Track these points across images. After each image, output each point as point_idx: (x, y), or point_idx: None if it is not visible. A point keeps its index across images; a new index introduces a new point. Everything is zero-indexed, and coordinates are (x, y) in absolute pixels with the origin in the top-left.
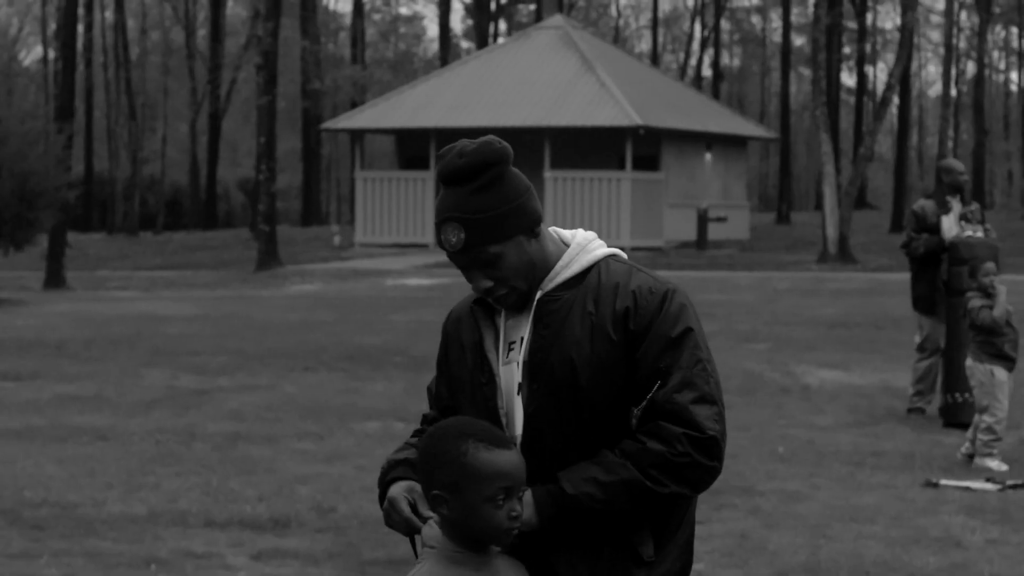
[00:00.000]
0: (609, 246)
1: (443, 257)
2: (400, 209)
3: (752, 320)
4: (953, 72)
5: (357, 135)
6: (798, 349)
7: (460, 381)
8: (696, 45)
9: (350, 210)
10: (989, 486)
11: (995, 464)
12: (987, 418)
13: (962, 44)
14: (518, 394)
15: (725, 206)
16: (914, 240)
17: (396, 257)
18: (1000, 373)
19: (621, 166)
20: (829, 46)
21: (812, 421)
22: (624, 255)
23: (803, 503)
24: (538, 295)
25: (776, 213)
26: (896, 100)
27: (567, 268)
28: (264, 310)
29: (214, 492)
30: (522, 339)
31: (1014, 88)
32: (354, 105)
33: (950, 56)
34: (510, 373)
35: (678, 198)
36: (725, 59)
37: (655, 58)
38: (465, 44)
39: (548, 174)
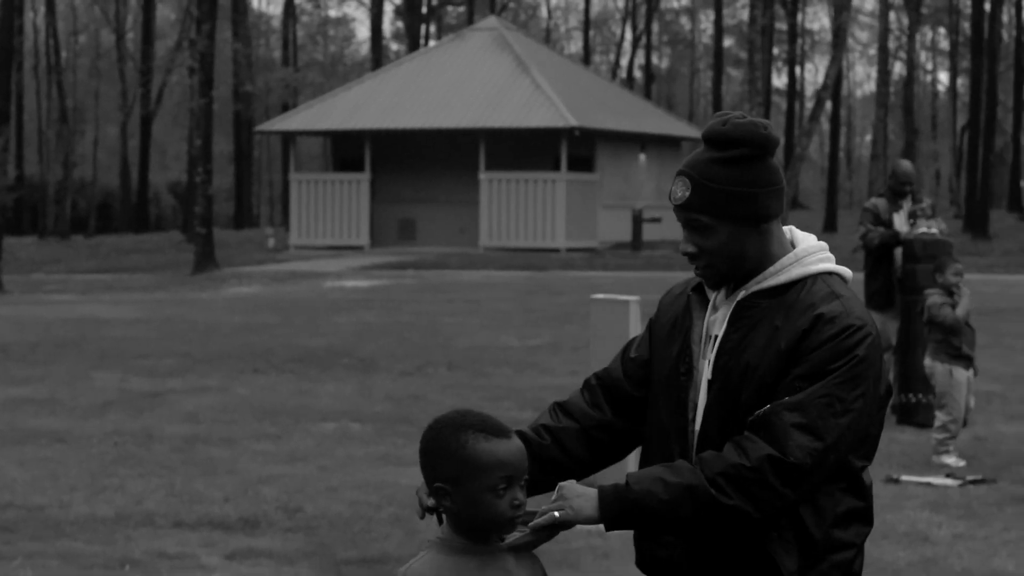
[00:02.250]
0: (544, 247)
1: (379, 259)
2: (335, 211)
3: None
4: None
5: (290, 137)
6: None
7: (664, 362)
8: (627, 46)
9: (283, 212)
10: (950, 482)
11: (952, 460)
12: (943, 416)
13: (891, 45)
14: (704, 389)
15: (660, 207)
16: (870, 232)
17: (331, 259)
18: (959, 373)
19: (556, 167)
20: (761, 47)
21: None
22: (844, 274)
23: None
24: (740, 296)
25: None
26: (828, 101)
27: (775, 276)
28: (205, 313)
29: (179, 493)
30: (717, 337)
31: (942, 88)
32: (285, 107)
33: (884, 57)
34: (704, 368)
35: (613, 199)
36: (655, 60)
37: (586, 59)
38: (395, 46)
39: (483, 175)
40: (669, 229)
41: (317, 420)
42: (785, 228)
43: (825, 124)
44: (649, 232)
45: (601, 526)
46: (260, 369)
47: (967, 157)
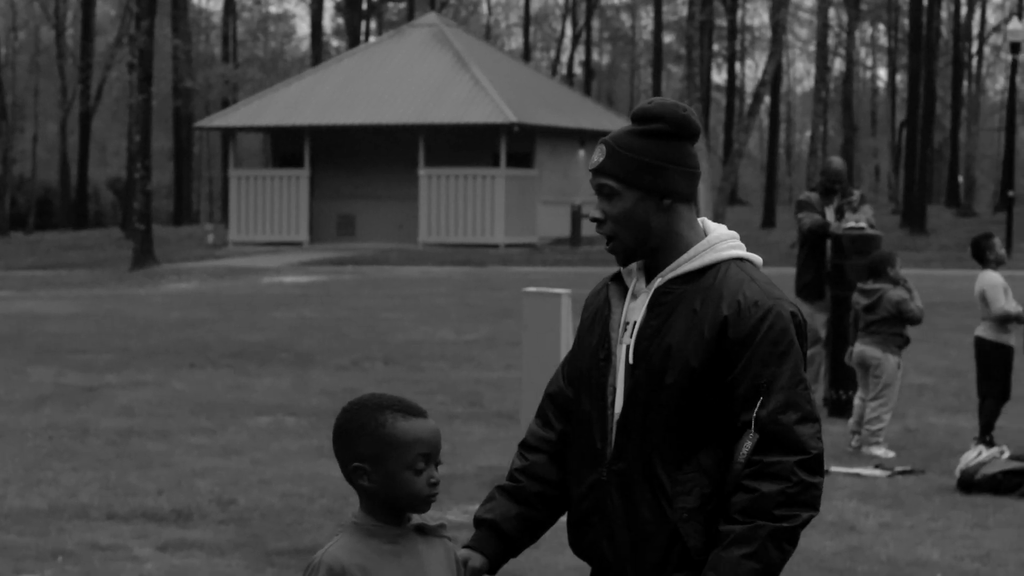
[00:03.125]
0: (483, 243)
1: (319, 255)
2: (274, 207)
3: None
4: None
5: (230, 133)
6: None
7: (584, 352)
8: (567, 42)
9: (222, 209)
10: (879, 472)
11: (882, 452)
12: (880, 408)
13: (831, 41)
14: (624, 374)
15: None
16: (803, 217)
17: (271, 255)
18: (900, 365)
19: (495, 163)
20: (700, 43)
21: None
22: (755, 260)
23: None
24: (657, 283)
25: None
26: (767, 97)
27: (690, 261)
28: (144, 308)
29: (113, 486)
30: (636, 323)
31: (881, 85)
32: (225, 104)
33: (824, 53)
34: (623, 353)
35: (552, 195)
36: (595, 56)
37: (526, 56)
38: (336, 43)
39: (422, 171)
40: None
41: (252, 414)
42: (698, 219)
43: (765, 120)
44: (588, 228)
45: None
46: (197, 364)
47: (905, 153)
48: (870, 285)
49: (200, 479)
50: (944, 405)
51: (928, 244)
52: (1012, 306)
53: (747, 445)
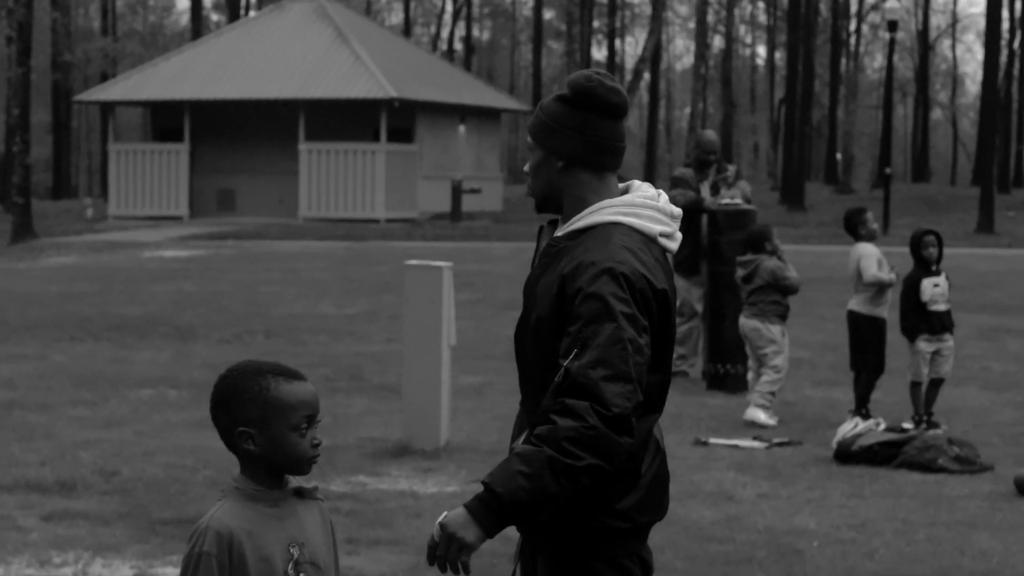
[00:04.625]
0: (363, 218)
1: (199, 229)
2: (154, 181)
3: (513, 290)
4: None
5: (109, 107)
6: None
7: None
8: (448, 18)
9: (101, 183)
10: (757, 444)
11: (764, 417)
12: (774, 374)
13: (710, 18)
14: None
15: (479, 178)
16: (678, 194)
17: (151, 229)
18: (784, 333)
19: (376, 138)
20: (580, 19)
21: None
22: (638, 227)
23: None
24: (548, 237)
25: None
26: (647, 74)
27: (577, 221)
28: (23, 282)
29: None
30: None
31: (760, 62)
32: (105, 77)
33: (703, 30)
34: None
35: (432, 170)
36: (475, 32)
37: (407, 31)
38: (215, 17)
39: (303, 146)
40: (488, 200)
41: (134, 387)
42: (639, 183)
43: (644, 97)
44: (468, 203)
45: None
46: (77, 337)
47: (784, 130)
48: (747, 257)
49: (83, 451)
50: (820, 378)
51: (806, 220)
52: (885, 274)
53: (553, 387)
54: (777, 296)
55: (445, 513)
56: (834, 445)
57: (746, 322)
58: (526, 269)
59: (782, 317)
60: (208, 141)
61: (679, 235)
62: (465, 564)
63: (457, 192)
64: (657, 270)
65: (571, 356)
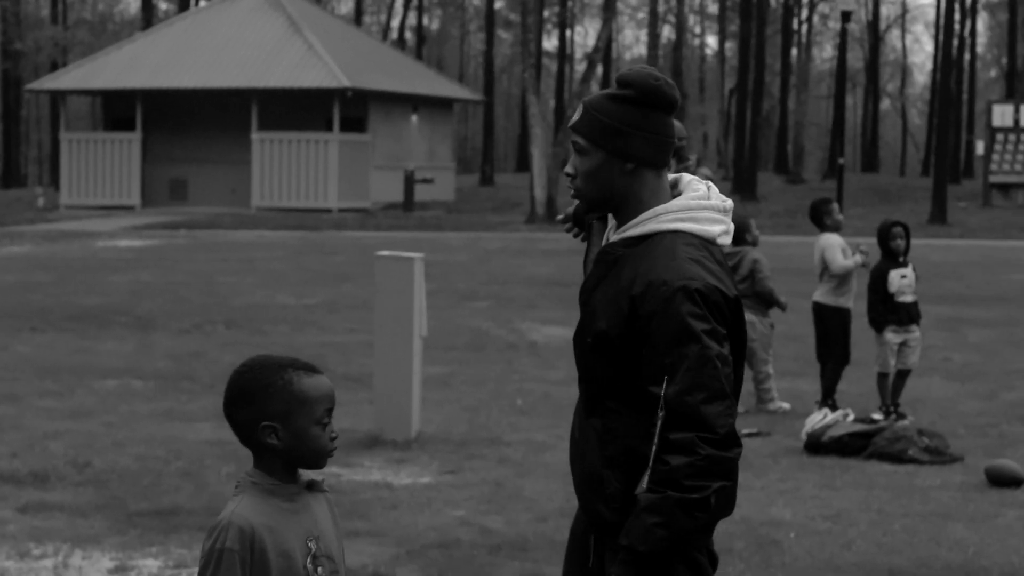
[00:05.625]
0: (316, 207)
1: (151, 219)
2: (106, 171)
3: (469, 280)
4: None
5: (60, 96)
6: (520, 307)
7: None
8: (398, 7)
9: (52, 172)
10: None
11: (775, 406)
12: (769, 369)
13: (660, 8)
14: None
15: (431, 168)
16: None
17: (103, 219)
18: (772, 325)
19: (328, 128)
20: (533, 9)
21: (545, 375)
22: (700, 232)
23: (550, 452)
24: (605, 242)
25: (480, 175)
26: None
27: (635, 227)
28: None
29: None
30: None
31: (710, 52)
32: (55, 66)
33: (654, 20)
34: None
35: (385, 160)
36: (425, 22)
37: (358, 20)
38: (164, 5)
39: (255, 136)
40: (440, 190)
41: (99, 377)
42: (689, 178)
43: (595, 87)
44: (421, 193)
45: None
46: (38, 327)
47: (735, 120)
48: (732, 249)
49: (53, 441)
50: (784, 369)
51: (759, 211)
52: (851, 261)
53: (658, 423)
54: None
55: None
56: (803, 436)
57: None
58: (482, 259)
59: (768, 308)
60: (160, 130)
61: (731, 226)
62: None
63: (410, 182)
64: (724, 277)
65: (664, 384)
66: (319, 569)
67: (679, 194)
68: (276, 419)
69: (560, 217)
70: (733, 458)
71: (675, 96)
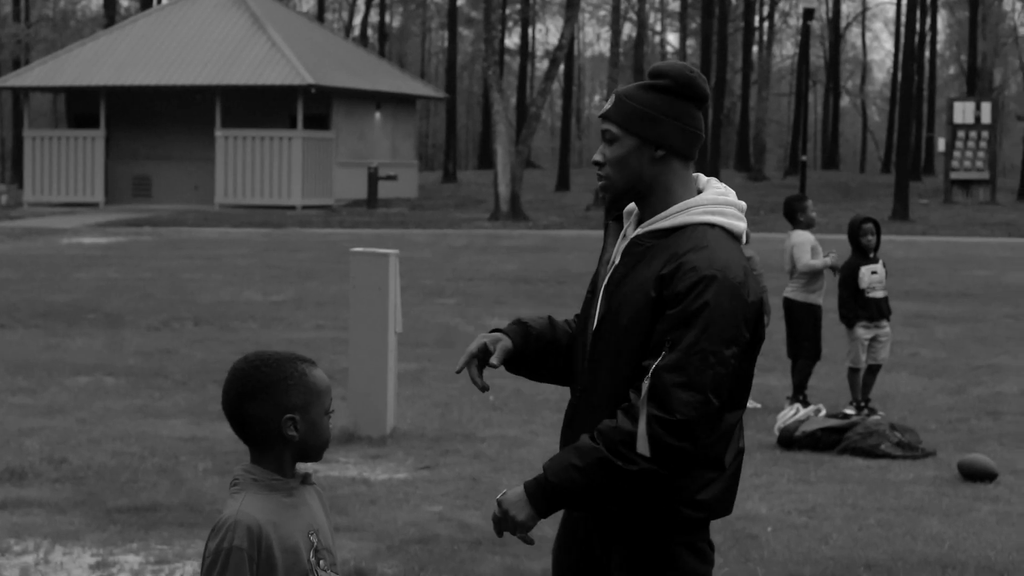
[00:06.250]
0: (280, 204)
1: (115, 216)
2: (69, 168)
3: (436, 276)
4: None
5: (22, 93)
6: (487, 303)
7: (594, 277)
8: (360, 4)
9: (14, 169)
10: None
11: (753, 404)
12: None
13: (621, 5)
14: (600, 308)
15: (394, 165)
16: None
17: (67, 216)
18: None
19: (292, 125)
20: (497, 6)
21: None
22: (731, 227)
23: (524, 448)
24: (632, 235)
25: (443, 172)
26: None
27: (665, 219)
28: None
29: None
30: (613, 264)
31: (671, 50)
32: (17, 63)
33: (617, 17)
34: (603, 289)
35: (348, 157)
36: (387, 19)
37: (320, 17)
38: (126, 2)
39: (219, 133)
40: (404, 187)
41: (70, 374)
42: (705, 178)
43: (555, 84)
44: (384, 190)
45: None
46: (6, 324)
47: None
48: None
49: (28, 438)
50: (755, 365)
51: None
52: (818, 260)
53: (642, 387)
54: None
55: (504, 491)
56: (776, 431)
57: None
58: (447, 255)
59: None
60: (124, 127)
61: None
62: (525, 538)
63: (373, 179)
64: (751, 279)
65: (654, 355)
66: (321, 562)
67: (700, 191)
68: (296, 411)
69: (459, 367)
70: (677, 448)
71: (708, 91)
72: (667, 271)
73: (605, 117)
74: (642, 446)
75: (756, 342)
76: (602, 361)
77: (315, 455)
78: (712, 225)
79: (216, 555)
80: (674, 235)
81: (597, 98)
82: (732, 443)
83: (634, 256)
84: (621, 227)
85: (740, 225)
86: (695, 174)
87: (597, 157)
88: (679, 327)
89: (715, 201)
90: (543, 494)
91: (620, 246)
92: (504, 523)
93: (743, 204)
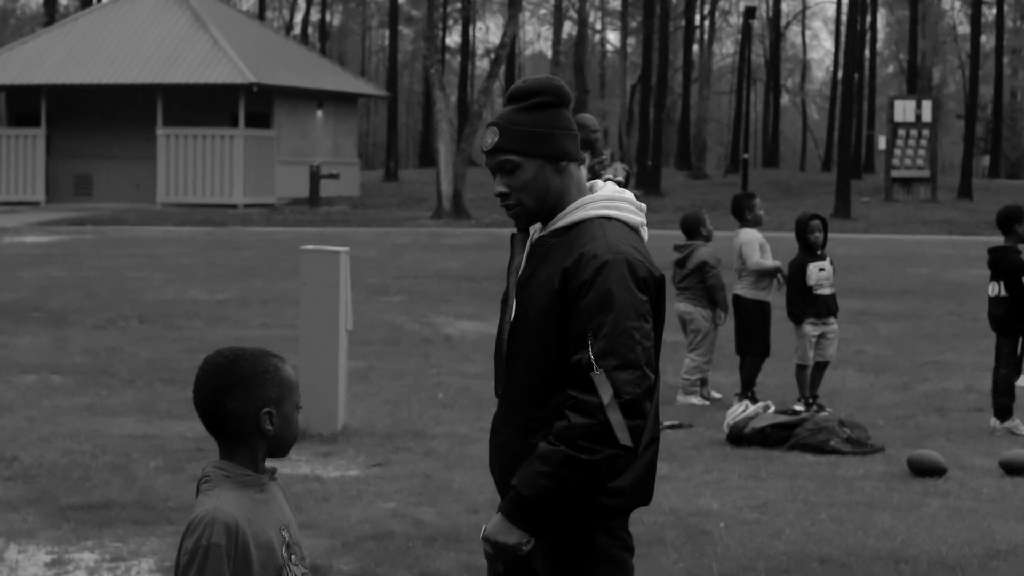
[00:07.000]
0: (221, 203)
1: (56, 214)
2: (10, 166)
3: (380, 274)
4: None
5: None
6: (432, 301)
7: (506, 290)
8: (301, 2)
9: None
10: None
11: (696, 400)
12: (698, 358)
13: (563, 4)
14: (513, 315)
15: (336, 163)
16: None
17: (8, 215)
18: (715, 319)
19: (234, 123)
20: (438, 4)
21: (462, 369)
22: (625, 219)
23: (475, 445)
24: (534, 237)
25: (384, 170)
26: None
27: (563, 218)
28: None
29: None
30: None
31: (610, 48)
32: None
33: (558, 16)
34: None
35: (290, 155)
36: (327, 17)
37: (261, 15)
38: (65, 1)
39: (160, 131)
40: (346, 185)
41: (17, 372)
42: (602, 183)
43: (497, 82)
44: (326, 188)
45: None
46: None
47: (638, 116)
48: (684, 242)
49: None
50: None
51: (664, 206)
52: (768, 261)
53: (584, 381)
54: (704, 282)
55: (484, 527)
56: (726, 428)
57: (678, 306)
58: (391, 254)
59: (712, 302)
60: (65, 126)
61: (645, 223)
62: (523, 554)
63: (315, 177)
64: (650, 258)
65: (580, 349)
66: (292, 556)
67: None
68: (273, 405)
69: None
70: (631, 426)
71: (564, 87)
72: (570, 263)
73: (497, 150)
74: (623, 437)
75: (657, 319)
76: (518, 360)
77: (284, 450)
78: (609, 218)
79: (194, 552)
80: (574, 230)
81: None
82: (645, 431)
83: (538, 256)
84: (527, 237)
85: (636, 219)
86: (592, 181)
87: (501, 188)
88: (596, 314)
89: (611, 197)
90: (520, 510)
91: (527, 251)
92: (498, 553)
93: (640, 204)
